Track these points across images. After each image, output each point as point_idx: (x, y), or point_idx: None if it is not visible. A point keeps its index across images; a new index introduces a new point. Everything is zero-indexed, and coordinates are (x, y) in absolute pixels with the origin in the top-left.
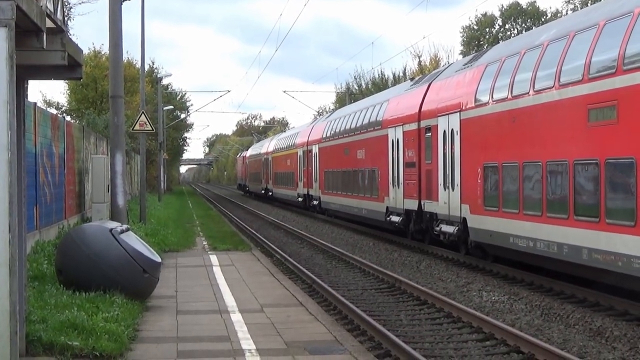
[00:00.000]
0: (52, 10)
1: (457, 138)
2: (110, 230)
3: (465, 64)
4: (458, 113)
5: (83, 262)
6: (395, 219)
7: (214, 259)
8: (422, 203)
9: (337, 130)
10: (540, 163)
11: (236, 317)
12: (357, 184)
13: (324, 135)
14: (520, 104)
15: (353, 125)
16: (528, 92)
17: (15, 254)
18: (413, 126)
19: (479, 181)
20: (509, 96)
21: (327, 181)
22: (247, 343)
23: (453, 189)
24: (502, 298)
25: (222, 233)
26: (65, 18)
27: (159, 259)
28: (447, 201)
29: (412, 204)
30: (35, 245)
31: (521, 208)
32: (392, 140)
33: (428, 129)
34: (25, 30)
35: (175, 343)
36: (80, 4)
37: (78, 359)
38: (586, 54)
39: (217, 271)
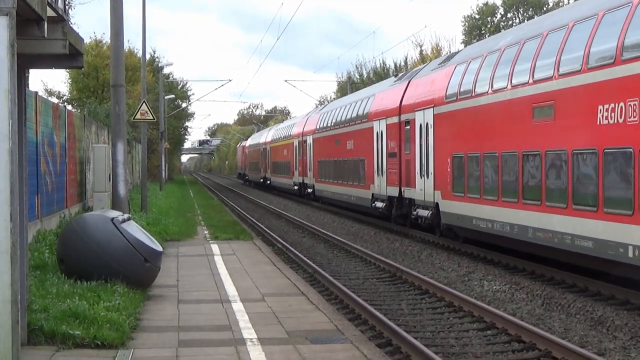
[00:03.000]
0: None
1: (431, 131)
2: (112, 219)
3: (440, 64)
4: (432, 108)
5: (84, 251)
6: (379, 205)
7: (215, 248)
8: (402, 190)
9: (330, 122)
10: (496, 154)
11: (237, 307)
12: (347, 173)
13: (318, 127)
14: (482, 101)
15: (343, 118)
16: (488, 91)
17: (16, 243)
18: (394, 119)
19: (449, 170)
20: (473, 94)
21: (321, 170)
22: (248, 332)
23: (428, 177)
24: (503, 287)
25: (223, 222)
26: (66, 7)
27: (160, 248)
28: (422, 188)
29: (393, 191)
30: (36, 235)
31: (482, 193)
32: (377, 132)
33: (407, 122)
34: (26, 19)
35: (177, 332)
36: None
37: (79, 348)
38: (532, 59)
39: (219, 260)
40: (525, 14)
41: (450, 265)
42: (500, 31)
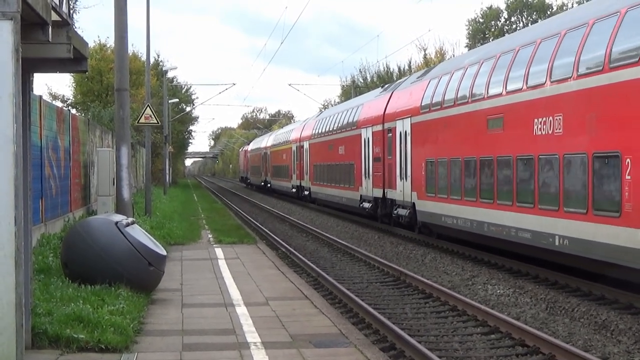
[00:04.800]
0: (58, 3)
1: (408, 138)
2: (116, 223)
3: (418, 77)
4: (409, 118)
5: (88, 255)
6: (366, 205)
7: (219, 252)
8: (386, 191)
9: (324, 128)
10: (460, 159)
11: (241, 310)
12: (339, 176)
13: (313, 133)
14: (449, 112)
15: (336, 125)
16: (454, 104)
17: (20, 247)
18: (379, 127)
19: (423, 173)
20: (442, 106)
21: (316, 173)
22: (252, 336)
23: (406, 180)
24: (507, 291)
25: (227, 226)
26: (71, 11)
27: (164, 252)
28: (402, 189)
29: (378, 193)
30: (41, 238)
31: (449, 194)
32: (364, 139)
33: (390, 130)
34: (31, 23)
35: (181, 336)
36: None
37: (83, 351)
38: (487, 77)
39: (223, 264)
40: (529, 17)
41: (454, 269)
42: (504, 34)
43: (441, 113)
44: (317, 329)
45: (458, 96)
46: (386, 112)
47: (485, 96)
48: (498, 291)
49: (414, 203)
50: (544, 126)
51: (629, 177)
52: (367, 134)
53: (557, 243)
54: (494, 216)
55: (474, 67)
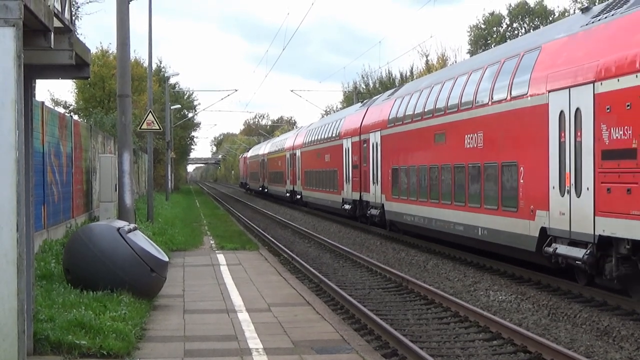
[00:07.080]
0: (60, 10)
1: (379, 148)
2: (118, 229)
3: (389, 95)
4: (379, 131)
5: (90, 261)
6: (347, 207)
7: (221, 258)
8: (362, 194)
9: (313, 138)
10: (415, 166)
11: (243, 317)
12: (325, 181)
13: (304, 142)
14: (407, 127)
15: (323, 136)
16: (412, 120)
17: (23, 253)
18: (357, 138)
19: (390, 179)
20: (403, 122)
21: (307, 179)
22: (254, 342)
23: (377, 184)
24: (509, 297)
25: (229, 232)
26: (73, 17)
27: (166, 258)
28: (374, 193)
29: (356, 196)
30: (43, 244)
31: (408, 196)
32: (346, 148)
33: (365, 141)
34: (33, 30)
35: (183, 342)
36: (87, 3)
37: (86, 358)
38: (435, 99)
39: (225, 270)
40: (531, 23)
41: (456, 275)
42: (506, 40)
43: (403, 128)
44: (319, 335)
45: (415, 113)
46: (362, 125)
47: (433, 115)
48: (500, 297)
49: (383, 204)
50: (472, 141)
51: (522, 181)
52: (347, 144)
53: (479, 233)
54: (439, 213)
55: (426, 90)
